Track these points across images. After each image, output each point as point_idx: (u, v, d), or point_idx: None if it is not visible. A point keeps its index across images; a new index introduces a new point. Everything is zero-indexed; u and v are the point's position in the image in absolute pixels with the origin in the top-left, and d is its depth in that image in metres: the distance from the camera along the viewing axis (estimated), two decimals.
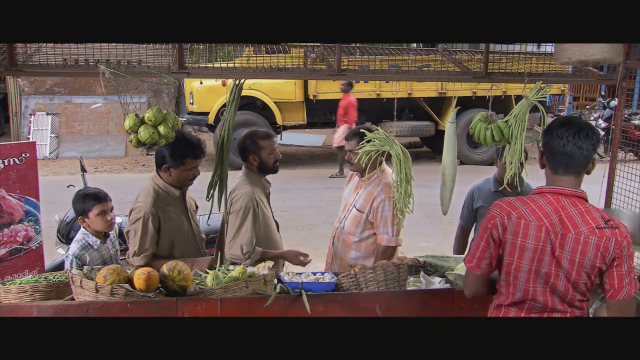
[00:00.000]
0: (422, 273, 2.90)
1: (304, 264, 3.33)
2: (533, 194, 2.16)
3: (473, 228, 3.88)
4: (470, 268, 2.17)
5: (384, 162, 3.48)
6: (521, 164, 3.22)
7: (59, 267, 3.51)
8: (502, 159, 3.42)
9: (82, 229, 3.18)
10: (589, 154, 2.10)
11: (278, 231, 3.47)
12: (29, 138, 11.47)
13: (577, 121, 2.18)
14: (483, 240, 2.13)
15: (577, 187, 2.12)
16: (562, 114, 14.69)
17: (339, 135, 10.01)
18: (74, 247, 3.10)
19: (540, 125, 3.26)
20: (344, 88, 10.16)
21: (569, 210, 2.06)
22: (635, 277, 2.10)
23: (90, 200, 3.11)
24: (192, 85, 10.71)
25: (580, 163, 2.09)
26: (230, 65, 3.20)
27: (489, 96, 3.38)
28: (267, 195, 3.43)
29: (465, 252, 2.22)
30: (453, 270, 2.89)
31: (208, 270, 2.78)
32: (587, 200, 2.11)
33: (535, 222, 2.05)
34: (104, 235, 3.20)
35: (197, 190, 3.34)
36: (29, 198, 3.28)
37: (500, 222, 2.09)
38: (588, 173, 2.15)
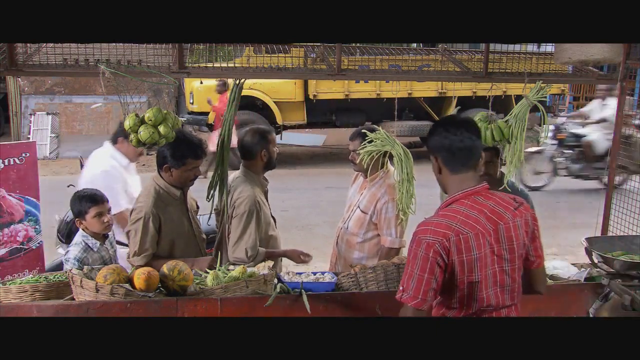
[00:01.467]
0: None
1: (306, 263, 3.35)
2: (448, 204, 2.10)
3: None
4: (417, 305, 1.99)
5: (387, 163, 3.47)
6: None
7: (59, 266, 3.50)
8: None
9: (80, 230, 3.17)
10: (474, 147, 2.10)
11: (276, 227, 3.48)
12: (29, 138, 11.47)
13: (455, 118, 2.27)
14: (426, 272, 1.98)
15: (480, 181, 2.11)
16: (562, 113, 14.68)
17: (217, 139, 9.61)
18: (74, 250, 3.08)
19: (540, 125, 3.26)
20: (219, 89, 9.49)
21: (488, 205, 2.06)
22: None
23: (86, 202, 3.07)
24: (192, 85, 10.72)
25: (470, 158, 2.09)
26: (230, 65, 3.20)
27: (489, 96, 3.38)
28: (266, 194, 3.44)
29: (400, 288, 2.06)
30: None
31: (208, 270, 2.78)
32: (490, 189, 2.13)
33: (471, 231, 1.99)
34: (102, 236, 3.20)
35: (198, 190, 3.34)
36: (29, 198, 3.28)
37: (442, 247, 1.97)
38: (480, 166, 2.14)
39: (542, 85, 3.18)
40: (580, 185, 9.17)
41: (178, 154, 3.01)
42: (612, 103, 8.74)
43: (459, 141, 2.07)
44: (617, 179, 3.65)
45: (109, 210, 3.16)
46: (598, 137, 8.89)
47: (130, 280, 2.56)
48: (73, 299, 2.61)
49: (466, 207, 2.04)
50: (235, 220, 3.17)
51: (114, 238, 3.38)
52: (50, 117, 12.15)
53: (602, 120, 8.85)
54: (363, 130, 3.46)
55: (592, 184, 9.04)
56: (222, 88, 9.45)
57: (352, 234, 3.53)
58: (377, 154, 3.33)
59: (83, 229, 3.13)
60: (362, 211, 3.48)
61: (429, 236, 1.99)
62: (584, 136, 8.95)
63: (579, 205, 8.13)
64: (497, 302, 2.07)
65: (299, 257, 3.30)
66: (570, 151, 8.93)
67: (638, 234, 3.26)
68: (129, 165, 3.85)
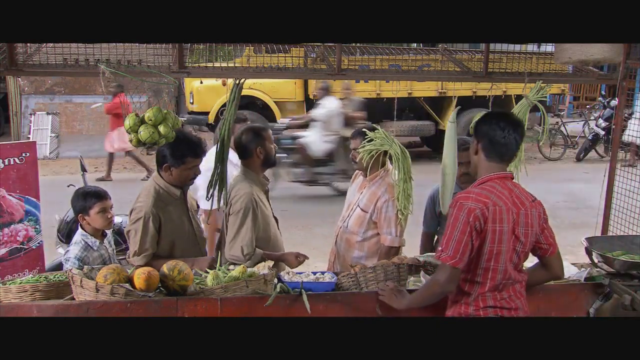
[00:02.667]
0: (422, 273, 2.90)
1: (301, 263, 3.34)
2: (481, 183, 2.33)
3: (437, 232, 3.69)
4: (455, 264, 2.24)
5: (387, 163, 3.48)
6: None
7: (59, 266, 3.51)
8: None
9: (79, 230, 3.18)
10: (518, 145, 2.37)
11: (278, 228, 3.47)
12: (29, 138, 11.46)
13: (511, 115, 2.48)
14: (465, 234, 2.22)
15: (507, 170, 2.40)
16: (562, 113, 14.69)
17: (112, 140, 9.60)
18: (74, 249, 3.10)
19: (540, 125, 3.26)
20: (114, 90, 8.95)
21: (513, 190, 2.32)
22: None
23: (91, 197, 3.13)
24: (192, 84, 10.71)
25: (513, 152, 2.36)
26: (231, 64, 3.20)
27: (489, 96, 3.39)
28: (267, 193, 3.43)
29: (439, 249, 2.30)
30: None
31: (208, 270, 2.78)
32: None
33: (504, 206, 2.25)
34: (101, 235, 3.21)
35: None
36: (29, 198, 3.28)
37: (481, 214, 2.21)
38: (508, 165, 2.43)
39: (542, 85, 3.18)
40: (310, 192, 8.64)
41: (177, 153, 3.01)
42: (327, 103, 8.29)
43: (502, 137, 2.31)
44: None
45: (112, 207, 3.20)
46: (313, 139, 8.31)
47: (130, 280, 2.56)
48: (73, 298, 2.61)
49: (500, 186, 2.29)
50: (232, 218, 3.17)
51: (113, 237, 3.39)
52: (50, 117, 12.15)
53: (312, 121, 8.37)
54: (363, 129, 3.47)
55: (324, 189, 8.56)
56: (118, 89, 8.82)
57: (351, 233, 3.53)
58: (376, 153, 3.34)
59: (84, 226, 3.15)
60: (362, 210, 3.49)
61: (471, 202, 2.23)
62: (300, 138, 8.41)
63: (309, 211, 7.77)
64: (513, 276, 2.31)
65: (296, 260, 3.29)
66: (286, 154, 8.34)
67: (638, 234, 3.26)
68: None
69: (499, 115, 2.38)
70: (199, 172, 3.17)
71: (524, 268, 2.45)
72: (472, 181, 2.49)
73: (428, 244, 3.75)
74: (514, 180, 2.40)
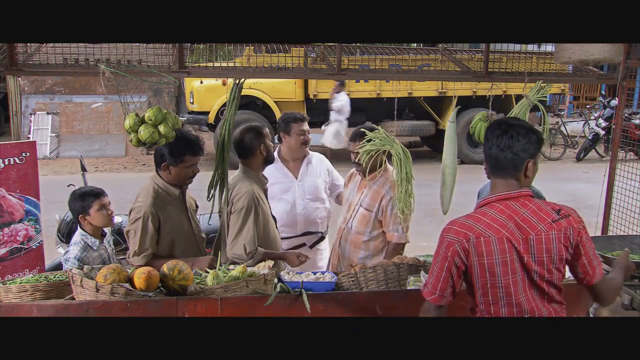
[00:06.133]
0: (422, 272, 2.90)
1: (303, 263, 3.35)
2: (480, 206, 2.08)
3: None
4: (433, 300, 2.05)
5: (386, 162, 3.48)
6: None
7: (59, 266, 3.51)
8: None
9: (79, 230, 3.18)
10: (514, 156, 2.01)
11: (276, 227, 3.48)
12: (29, 137, 11.48)
13: (508, 121, 2.11)
14: (444, 270, 2.02)
15: (520, 187, 2.05)
16: (562, 113, 14.70)
17: None
18: (74, 249, 3.10)
19: (540, 125, 3.26)
20: None
21: (521, 213, 2.00)
22: (597, 254, 2.10)
23: (89, 197, 3.14)
24: (192, 84, 10.71)
25: (507, 165, 2.03)
26: (231, 64, 3.20)
27: (489, 95, 3.38)
28: (265, 192, 3.44)
29: (423, 287, 2.12)
30: None
31: (208, 270, 2.78)
32: (533, 197, 2.06)
33: (495, 235, 1.97)
34: (100, 235, 3.21)
35: (197, 189, 3.34)
36: (29, 197, 3.28)
37: (461, 248, 1.99)
38: (527, 176, 2.05)
39: (542, 84, 3.18)
40: None
41: (176, 151, 3.01)
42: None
43: (488, 148, 2.06)
44: None
45: (109, 203, 3.21)
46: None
47: (130, 280, 2.56)
48: (73, 298, 2.61)
49: (495, 211, 2.01)
50: (234, 216, 3.17)
51: (111, 236, 3.40)
52: (50, 116, 12.16)
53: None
54: (362, 130, 3.47)
55: None
56: None
57: (357, 233, 3.53)
58: (376, 153, 3.34)
59: (85, 226, 3.15)
60: (366, 210, 3.49)
61: (452, 235, 2.01)
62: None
63: None
64: (532, 308, 2.02)
65: (297, 259, 3.29)
66: None
67: (638, 234, 3.26)
68: None
69: (496, 124, 2.11)
70: (198, 171, 3.16)
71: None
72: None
73: None
74: (530, 198, 2.04)
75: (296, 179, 3.85)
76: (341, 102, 10.35)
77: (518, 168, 2.03)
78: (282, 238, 3.64)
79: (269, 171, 3.55)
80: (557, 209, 2.04)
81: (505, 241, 1.97)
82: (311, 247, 3.87)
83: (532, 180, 2.10)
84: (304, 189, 3.84)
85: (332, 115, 10.49)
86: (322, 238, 3.92)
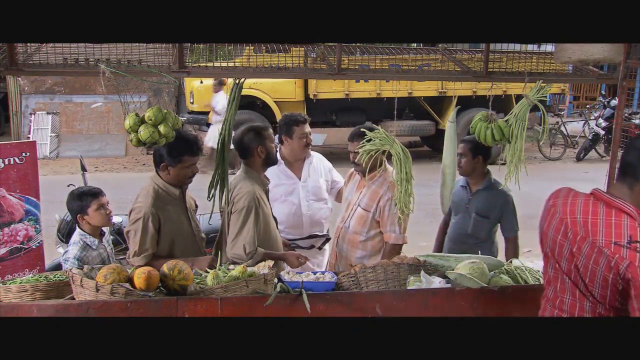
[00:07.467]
0: (422, 272, 2.90)
1: (302, 264, 3.35)
2: (585, 194, 2.04)
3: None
4: None
5: (385, 162, 3.48)
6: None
7: (59, 266, 3.51)
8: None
9: (77, 230, 3.18)
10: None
11: (277, 228, 3.48)
12: (29, 137, 11.48)
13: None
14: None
15: (630, 202, 1.92)
16: (562, 113, 14.69)
17: None
18: (73, 249, 3.10)
19: (540, 125, 3.26)
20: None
21: (598, 217, 1.92)
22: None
23: (87, 196, 3.15)
24: (192, 84, 10.72)
25: (627, 174, 1.96)
26: (231, 64, 3.20)
27: (489, 95, 3.38)
28: (266, 192, 3.44)
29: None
30: (453, 270, 2.89)
31: (208, 270, 2.78)
32: (635, 219, 1.89)
33: (560, 214, 2.01)
34: (99, 234, 3.21)
35: (197, 189, 3.34)
36: (29, 197, 3.28)
37: (545, 205, 2.11)
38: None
39: (542, 84, 3.18)
40: None
41: (174, 151, 3.01)
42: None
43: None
44: None
45: (108, 203, 3.22)
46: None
47: (130, 280, 2.56)
48: (73, 298, 2.61)
49: (582, 202, 1.99)
50: (234, 216, 3.17)
51: (110, 236, 3.40)
52: (50, 116, 12.16)
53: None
54: (362, 129, 3.47)
55: None
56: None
57: (354, 233, 3.53)
58: (375, 152, 3.34)
59: (84, 225, 3.15)
60: (363, 209, 3.49)
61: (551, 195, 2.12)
62: None
63: None
64: (555, 296, 2.06)
65: (297, 260, 3.30)
66: None
67: None
68: None
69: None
70: (197, 171, 3.16)
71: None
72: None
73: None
74: (625, 215, 1.91)
75: (299, 180, 3.85)
76: (221, 103, 9.78)
77: (627, 176, 1.98)
78: (290, 240, 3.65)
79: (272, 173, 3.54)
80: (635, 239, 1.87)
81: (563, 224, 2.02)
82: (319, 248, 3.88)
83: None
84: (308, 190, 3.84)
85: (214, 117, 10.19)
86: (328, 239, 3.92)
